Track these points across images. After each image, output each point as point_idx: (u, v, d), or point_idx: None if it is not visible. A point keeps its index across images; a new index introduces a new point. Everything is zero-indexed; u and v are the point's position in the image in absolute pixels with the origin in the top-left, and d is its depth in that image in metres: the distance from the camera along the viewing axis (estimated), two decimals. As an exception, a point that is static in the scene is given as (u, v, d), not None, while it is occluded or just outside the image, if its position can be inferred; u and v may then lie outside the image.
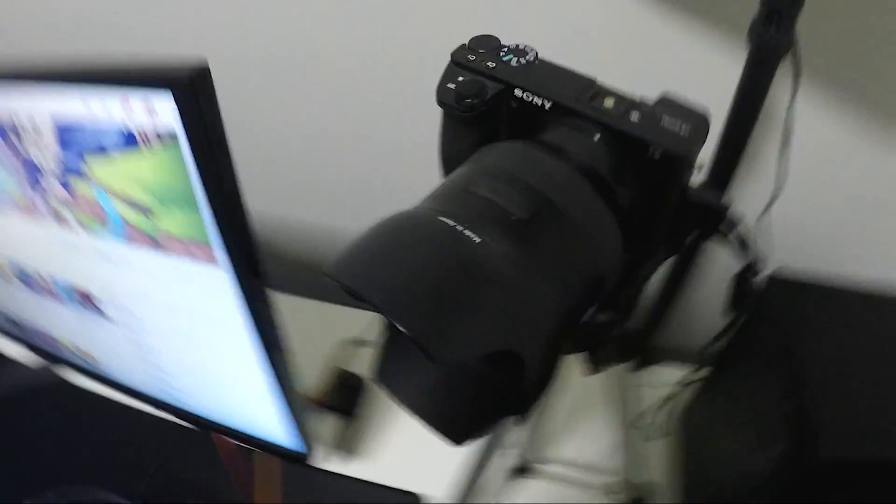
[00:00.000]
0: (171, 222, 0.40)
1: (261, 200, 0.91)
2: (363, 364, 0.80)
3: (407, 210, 0.28)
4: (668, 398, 0.77)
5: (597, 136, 0.31)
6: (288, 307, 0.82)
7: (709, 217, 0.32)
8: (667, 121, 0.30)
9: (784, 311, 0.56)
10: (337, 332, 0.83)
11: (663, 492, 0.71)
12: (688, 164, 0.30)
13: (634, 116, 0.30)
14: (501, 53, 0.34)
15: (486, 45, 0.35)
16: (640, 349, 0.82)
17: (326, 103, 0.85)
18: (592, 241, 0.28)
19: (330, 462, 0.72)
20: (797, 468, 0.49)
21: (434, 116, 0.38)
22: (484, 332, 0.23)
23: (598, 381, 0.78)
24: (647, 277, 0.37)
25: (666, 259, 0.36)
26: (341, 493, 0.70)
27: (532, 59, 0.34)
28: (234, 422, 0.60)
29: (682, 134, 0.29)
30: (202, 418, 0.62)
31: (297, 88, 0.85)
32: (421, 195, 0.31)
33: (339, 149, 0.89)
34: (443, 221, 0.25)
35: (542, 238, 0.26)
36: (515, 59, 0.33)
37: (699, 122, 0.30)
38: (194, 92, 0.34)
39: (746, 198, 0.75)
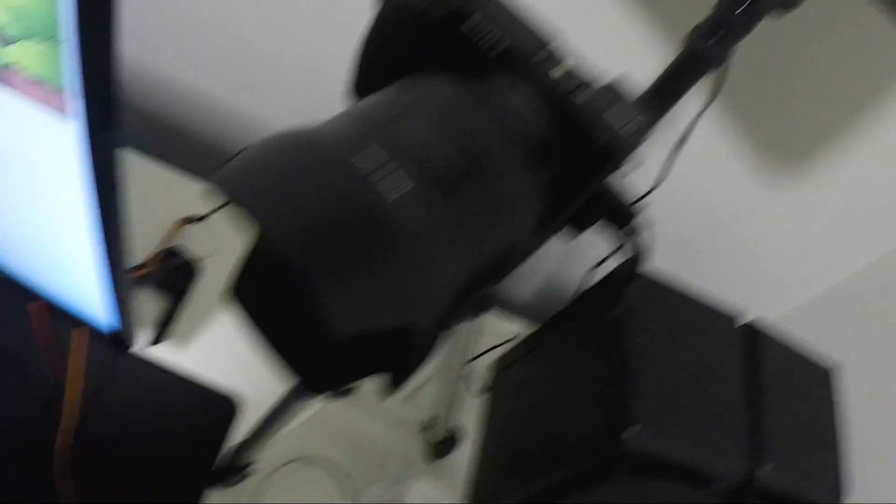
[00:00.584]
0: (25, 54, 0.33)
1: (142, 50, 0.79)
2: (202, 246, 0.75)
3: (317, 134, 0.24)
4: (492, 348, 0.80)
5: (539, 105, 0.28)
6: (142, 171, 0.74)
7: (619, 215, 0.32)
8: (615, 112, 0.28)
9: (635, 306, 0.56)
10: (185, 208, 0.75)
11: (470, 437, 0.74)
12: (624, 159, 0.28)
13: (584, 96, 0.28)
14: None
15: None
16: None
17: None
18: (513, 218, 0.26)
19: (146, 346, 0.67)
20: (601, 452, 0.52)
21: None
22: (381, 307, 0.21)
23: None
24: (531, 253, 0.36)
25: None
26: (154, 383, 0.65)
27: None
28: (51, 290, 0.53)
29: (628, 129, 0.28)
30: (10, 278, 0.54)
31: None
32: (326, 82, 0.27)
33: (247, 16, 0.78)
34: (356, 168, 0.22)
35: (463, 208, 0.24)
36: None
37: (647, 121, 0.29)
38: None
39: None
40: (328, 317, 0.19)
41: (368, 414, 0.67)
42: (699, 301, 0.61)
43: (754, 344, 0.62)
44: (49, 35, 0.31)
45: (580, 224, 0.33)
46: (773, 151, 0.72)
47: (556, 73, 0.29)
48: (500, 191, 0.26)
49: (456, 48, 0.29)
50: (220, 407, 0.66)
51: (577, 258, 0.91)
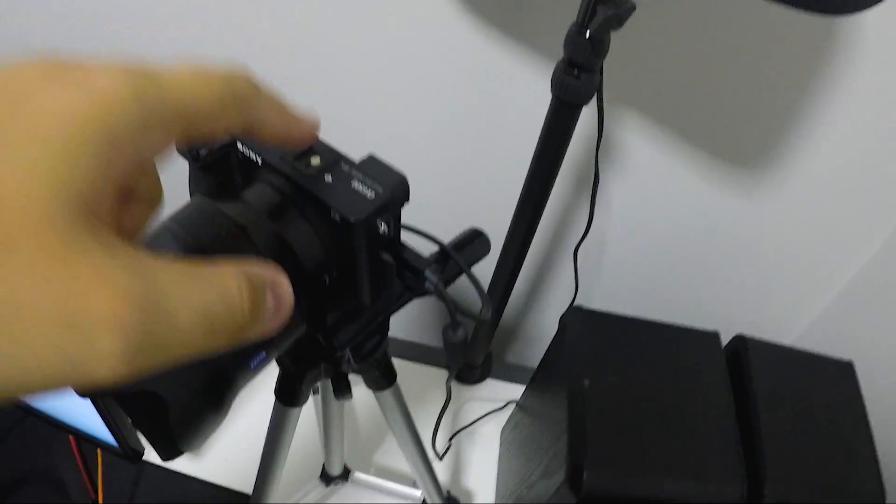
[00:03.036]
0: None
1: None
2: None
3: None
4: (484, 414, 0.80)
5: (283, 196, 0.32)
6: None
7: (409, 275, 0.34)
8: (357, 183, 0.31)
9: (575, 343, 0.59)
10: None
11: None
12: (368, 227, 0.31)
13: (328, 177, 0.32)
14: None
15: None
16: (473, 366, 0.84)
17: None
18: None
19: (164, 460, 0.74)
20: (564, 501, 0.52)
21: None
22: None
23: (426, 392, 0.81)
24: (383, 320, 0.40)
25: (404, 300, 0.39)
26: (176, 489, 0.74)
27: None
28: (74, 421, 0.64)
29: (366, 197, 0.31)
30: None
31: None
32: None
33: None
34: None
35: None
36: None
37: (394, 185, 0.32)
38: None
39: (563, 235, 0.79)
40: None
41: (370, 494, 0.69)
42: (642, 321, 0.60)
43: (743, 356, 0.59)
44: None
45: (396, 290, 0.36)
46: (732, 159, 0.70)
47: (314, 162, 0.33)
48: None
49: (241, 167, 0.34)
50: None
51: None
